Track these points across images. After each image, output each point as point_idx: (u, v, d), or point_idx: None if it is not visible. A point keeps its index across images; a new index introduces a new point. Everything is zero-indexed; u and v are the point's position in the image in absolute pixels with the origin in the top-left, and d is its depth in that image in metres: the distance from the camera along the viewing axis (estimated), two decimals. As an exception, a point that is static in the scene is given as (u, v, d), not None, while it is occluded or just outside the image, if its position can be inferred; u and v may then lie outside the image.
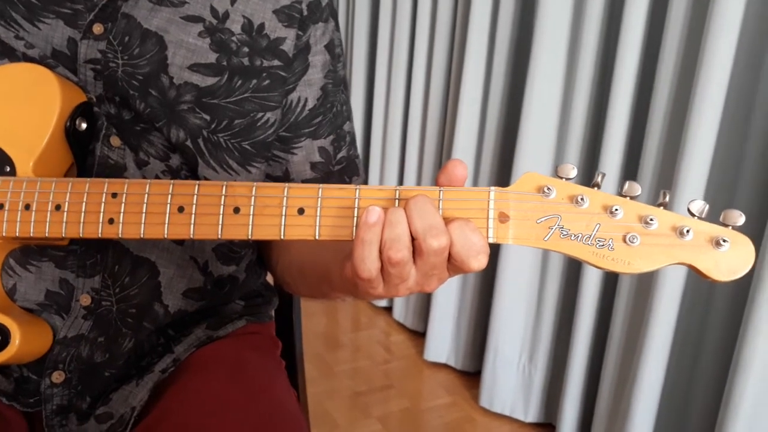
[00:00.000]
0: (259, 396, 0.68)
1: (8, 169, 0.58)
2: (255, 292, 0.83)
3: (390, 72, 2.09)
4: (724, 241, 0.45)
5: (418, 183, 1.99)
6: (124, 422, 0.66)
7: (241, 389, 0.68)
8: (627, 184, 0.46)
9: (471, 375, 1.86)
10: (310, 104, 0.71)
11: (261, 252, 0.81)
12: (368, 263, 0.46)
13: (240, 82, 0.65)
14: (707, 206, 0.45)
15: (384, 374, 1.87)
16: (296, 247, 0.71)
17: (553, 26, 1.42)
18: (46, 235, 0.55)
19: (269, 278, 0.84)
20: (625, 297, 1.36)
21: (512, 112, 1.64)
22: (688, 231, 0.45)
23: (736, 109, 1.16)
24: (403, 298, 1.53)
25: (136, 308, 0.67)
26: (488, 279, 1.73)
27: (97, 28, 0.62)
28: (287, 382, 0.77)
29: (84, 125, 0.61)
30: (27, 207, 0.56)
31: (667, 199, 0.46)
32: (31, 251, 0.63)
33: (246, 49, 0.66)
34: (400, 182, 2.11)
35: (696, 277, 0.46)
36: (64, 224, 0.55)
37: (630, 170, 1.35)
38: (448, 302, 1.85)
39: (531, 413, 1.66)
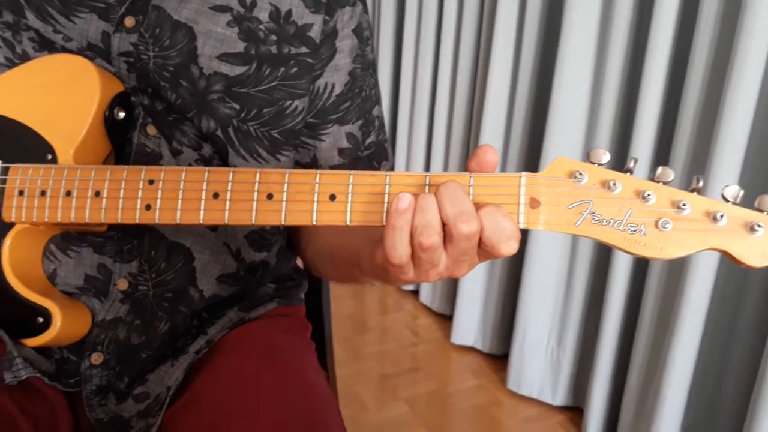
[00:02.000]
0: (291, 377, 0.70)
1: (50, 157, 0.60)
2: (285, 275, 0.84)
3: (417, 55, 2.08)
4: (759, 226, 0.44)
5: (445, 168, 1.99)
6: (160, 401, 0.68)
7: (273, 370, 0.70)
8: (660, 170, 0.46)
9: (498, 358, 1.86)
10: (337, 90, 0.71)
11: (291, 237, 0.82)
12: (399, 249, 0.47)
13: (268, 70, 0.66)
14: (742, 191, 0.45)
15: (411, 357, 1.89)
16: (326, 232, 0.72)
17: (584, 7, 1.40)
18: (86, 221, 0.57)
19: (299, 262, 0.85)
20: (656, 281, 1.34)
21: (541, 96, 1.63)
22: (721, 216, 0.45)
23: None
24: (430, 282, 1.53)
25: (171, 293, 0.69)
26: (516, 262, 1.73)
27: (129, 21, 0.63)
28: (317, 364, 0.78)
29: (122, 114, 0.63)
30: (68, 194, 0.57)
31: (701, 184, 0.46)
32: (71, 237, 0.65)
33: (274, 37, 0.66)
34: (427, 167, 2.10)
35: (730, 263, 0.46)
36: (103, 210, 0.56)
37: (662, 156, 1.33)
38: (475, 285, 1.85)
39: (559, 396, 1.66)
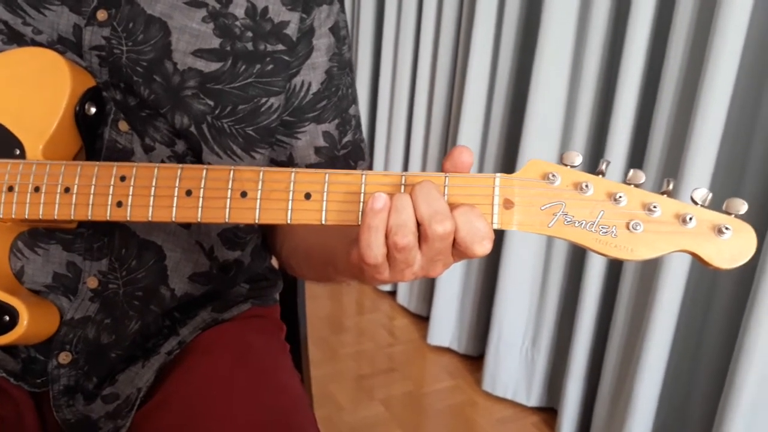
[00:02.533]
0: (264, 378, 0.69)
1: (18, 152, 0.59)
2: (260, 275, 0.83)
3: (396, 55, 2.08)
4: (727, 228, 0.45)
5: (423, 168, 1.99)
6: (130, 403, 0.67)
7: (246, 372, 0.69)
8: (631, 172, 0.47)
9: (474, 359, 1.87)
10: (314, 88, 0.71)
11: (265, 236, 0.81)
12: (374, 249, 0.46)
13: (244, 67, 0.65)
14: (710, 194, 0.46)
15: (387, 357, 1.89)
16: (301, 231, 0.72)
17: (561, 11, 1.41)
18: (55, 217, 0.56)
19: (274, 262, 0.85)
20: (629, 282, 1.36)
21: (518, 99, 1.64)
22: (690, 218, 0.45)
23: (744, 99, 1.15)
24: (407, 282, 1.54)
25: (142, 291, 0.68)
26: (492, 264, 1.74)
27: (101, 15, 0.62)
28: (291, 365, 0.78)
29: (93, 110, 0.61)
30: (36, 189, 0.56)
31: (671, 187, 0.47)
32: (39, 234, 0.64)
33: (250, 34, 0.66)
34: (405, 167, 2.10)
35: (700, 265, 0.47)
36: (72, 206, 0.55)
37: (636, 159, 1.35)
38: (452, 287, 1.86)
39: (533, 397, 1.67)
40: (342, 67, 0.73)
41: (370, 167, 0.81)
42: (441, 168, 0.50)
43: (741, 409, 1.11)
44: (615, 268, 1.42)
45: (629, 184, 0.47)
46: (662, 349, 1.28)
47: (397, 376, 1.80)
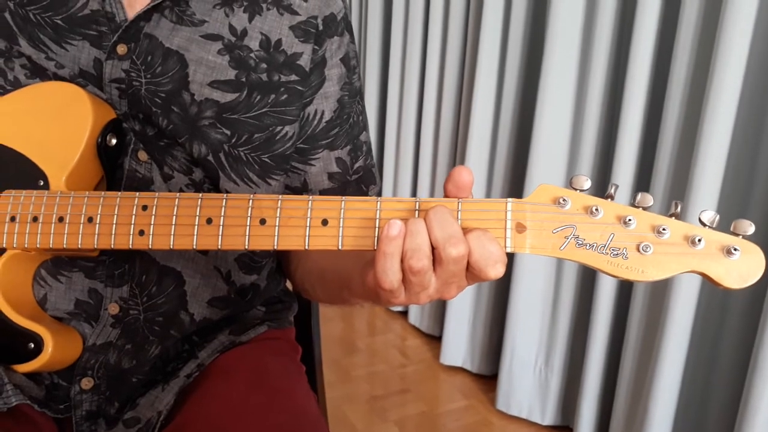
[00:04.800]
0: (281, 400, 0.70)
1: (42, 183, 0.61)
2: (275, 298, 0.84)
3: (402, 83, 2.11)
4: (735, 249, 0.46)
5: (432, 193, 2.01)
6: (151, 426, 0.68)
7: (263, 394, 0.70)
8: (639, 195, 0.48)
9: (487, 378, 1.86)
10: (326, 116, 0.73)
11: (280, 259, 0.83)
12: (390, 275, 0.48)
13: (259, 97, 0.67)
14: (718, 216, 0.47)
15: (400, 378, 1.89)
16: (316, 254, 0.73)
17: (564, 39, 1.43)
18: (79, 246, 0.57)
19: (289, 285, 0.86)
20: (640, 300, 1.36)
21: (524, 124, 1.65)
22: (699, 240, 0.46)
23: (748, 120, 1.16)
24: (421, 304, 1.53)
25: (162, 317, 0.69)
26: (503, 284, 1.74)
27: (121, 49, 0.64)
28: (308, 387, 0.78)
29: (114, 141, 0.63)
30: (60, 219, 0.58)
31: (679, 209, 0.48)
32: (61, 262, 0.66)
33: (264, 65, 0.68)
34: (414, 192, 2.12)
35: (711, 284, 0.47)
36: (96, 236, 0.57)
37: (642, 181, 1.36)
38: (464, 306, 1.86)
39: (548, 416, 1.66)
40: (353, 95, 0.75)
41: (380, 191, 0.82)
42: (444, 190, 0.51)
43: (757, 428, 1.11)
44: (626, 287, 1.42)
45: (638, 207, 0.48)
46: (676, 367, 1.28)
47: (411, 397, 1.80)
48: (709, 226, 0.47)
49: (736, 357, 1.24)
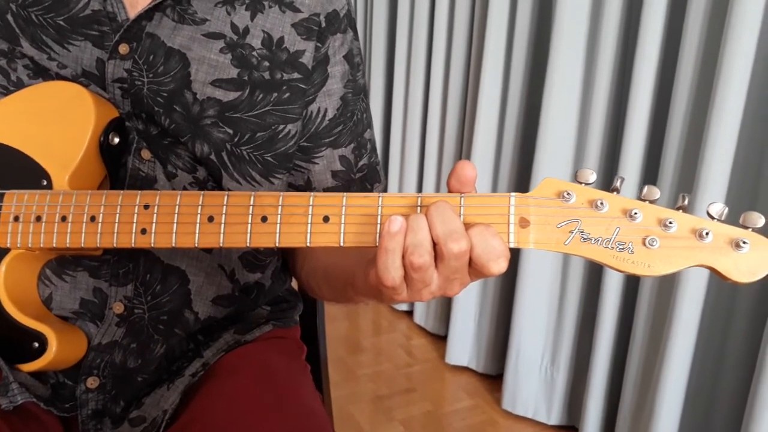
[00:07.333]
0: (287, 399, 0.70)
1: (45, 182, 0.61)
2: (280, 297, 0.84)
3: (408, 79, 2.11)
4: (744, 243, 0.45)
5: (437, 190, 2.00)
6: (156, 425, 0.68)
7: (268, 393, 0.70)
8: (646, 188, 0.47)
9: (493, 378, 1.86)
10: (330, 114, 0.72)
11: (285, 258, 0.82)
12: (392, 271, 0.47)
13: (261, 95, 0.67)
14: (726, 209, 0.46)
15: (406, 378, 1.88)
16: (320, 252, 0.73)
17: (571, 31, 1.42)
18: (82, 245, 0.57)
19: (294, 284, 0.86)
20: (647, 297, 1.35)
21: (531, 118, 1.65)
22: (707, 233, 0.46)
23: (756, 111, 1.15)
24: (424, 301, 1.53)
25: (167, 315, 0.69)
26: (509, 281, 1.73)
27: (123, 48, 0.64)
28: (313, 386, 0.78)
29: (117, 140, 0.63)
30: (63, 219, 0.58)
31: (686, 202, 0.47)
32: (66, 261, 0.66)
33: (266, 64, 0.67)
34: (420, 189, 2.12)
35: (719, 279, 0.47)
36: (98, 235, 0.57)
37: (650, 174, 1.35)
38: (469, 305, 1.86)
39: (554, 415, 1.66)
40: (356, 92, 0.74)
41: (385, 189, 0.82)
42: (447, 186, 0.50)
43: (765, 425, 1.10)
44: (632, 283, 1.41)
45: (644, 200, 0.47)
46: (683, 365, 1.27)
47: (416, 397, 1.79)
48: (718, 219, 0.46)
49: (744, 355, 1.23)
